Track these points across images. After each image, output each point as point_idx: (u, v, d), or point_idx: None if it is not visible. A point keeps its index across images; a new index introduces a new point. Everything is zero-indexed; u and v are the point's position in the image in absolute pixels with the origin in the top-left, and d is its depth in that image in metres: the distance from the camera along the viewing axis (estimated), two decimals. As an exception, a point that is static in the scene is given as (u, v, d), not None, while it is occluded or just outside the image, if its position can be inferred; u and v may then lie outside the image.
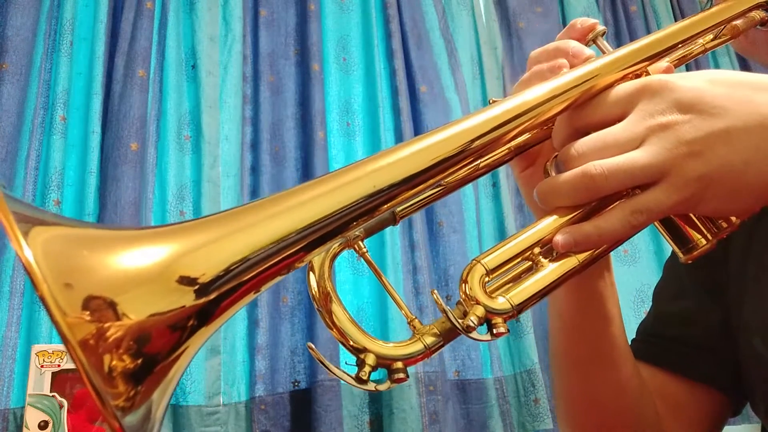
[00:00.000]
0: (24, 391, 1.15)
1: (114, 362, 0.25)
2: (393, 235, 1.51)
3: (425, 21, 1.84)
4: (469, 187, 1.66)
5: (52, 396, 1.13)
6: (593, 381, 0.57)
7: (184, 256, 0.29)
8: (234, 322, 1.43)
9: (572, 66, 0.49)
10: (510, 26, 1.96)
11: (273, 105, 1.62)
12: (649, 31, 2.03)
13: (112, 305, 0.26)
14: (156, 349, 0.27)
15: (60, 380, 1.14)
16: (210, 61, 1.57)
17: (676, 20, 2.11)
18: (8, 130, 1.35)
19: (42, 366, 1.14)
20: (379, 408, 1.43)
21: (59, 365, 1.15)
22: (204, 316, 0.29)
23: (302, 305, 1.47)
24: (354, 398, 1.43)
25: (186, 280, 0.28)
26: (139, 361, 0.26)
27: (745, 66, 1.99)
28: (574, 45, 0.50)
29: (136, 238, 0.30)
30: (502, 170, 1.73)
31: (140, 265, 0.28)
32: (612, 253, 0.57)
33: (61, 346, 1.17)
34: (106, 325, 0.25)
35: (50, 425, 1.11)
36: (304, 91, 1.64)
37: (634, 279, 1.73)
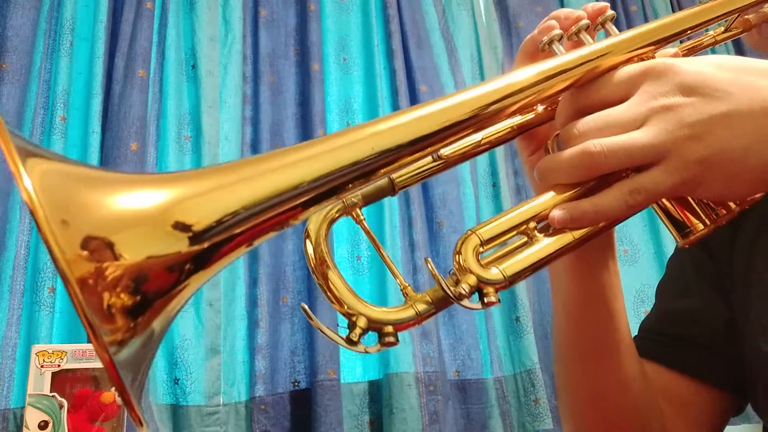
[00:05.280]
0: (24, 391, 1.15)
1: (112, 299, 0.26)
2: (393, 235, 1.51)
3: (425, 21, 1.84)
4: (469, 187, 1.66)
5: (52, 396, 1.13)
6: (597, 374, 0.57)
7: (180, 202, 0.30)
8: (234, 322, 1.43)
9: (564, 28, 0.49)
10: (510, 26, 1.96)
11: (273, 105, 1.62)
12: (649, 31, 2.03)
13: (109, 245, 0.26)
14: (154, 288, 0.28)
15: (60, 380, 1.14)
16: (210, 61, 1.57)
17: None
18: (8, 130, 1.35)
19: (42, 366, 1.14)
20: (379, 408, 1.43)
21: (59, 365, 1.15)
22: (200, 261, 0.29)
23: (302, 305, 1.47)
24: (354, 398, 1.43)
25: (180, 226, 0.29)
26: (138, 298, 0.27)
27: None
28: (565, 10, 0.50)
29: (133, 182, 0.30)
30: (502, 170, 1.73)
31: (136, 207, 0.28)
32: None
33: (62, 346, 1.17)
34: (104, 264, 0.26)
35: (50, 425, 1.11)
36: (304, 91, 1.64)
37: (634, 279, 1.73)
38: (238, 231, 0.31)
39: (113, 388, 1.16)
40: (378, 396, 1.44)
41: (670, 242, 1.70)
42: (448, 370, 1.50)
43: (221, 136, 1.54)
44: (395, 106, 1.67)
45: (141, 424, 0.25)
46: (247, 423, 1.37)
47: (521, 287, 1.58)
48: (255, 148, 1.57)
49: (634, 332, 0.65)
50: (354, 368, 1.48)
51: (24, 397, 1.14)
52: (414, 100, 1.70)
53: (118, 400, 1.16)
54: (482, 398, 1.50)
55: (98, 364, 1.16)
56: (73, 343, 1.22)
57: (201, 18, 1.60)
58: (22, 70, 1.42)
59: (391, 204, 1.53)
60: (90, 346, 1.18)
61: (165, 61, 1.56)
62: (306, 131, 1.60)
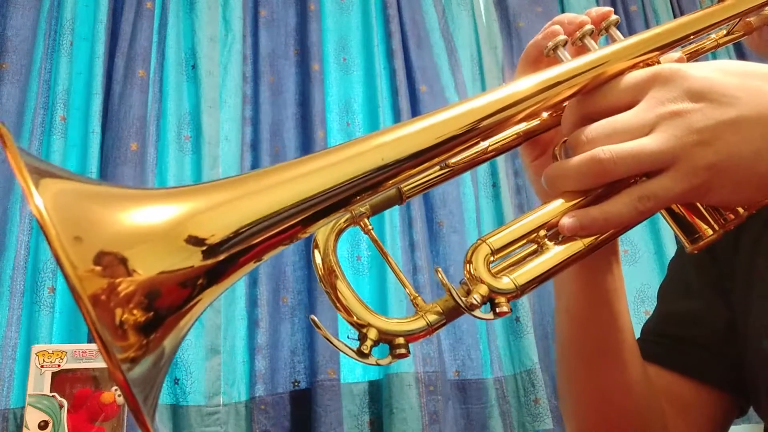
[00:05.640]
0: (24, 391, 1.15)
1: (125, 316, 0.25)
2: (393, 235, 1.51)
3: (425, 21, 1.84)
4: (469, 187, 1.66)
5: (52, 396, 1.13)
6: (600, 377, 0.57)
7: (194, 216, 0.30)
8: (234, 322, 1.43)
9: (567, 33, 0.49)
10: (510, 26, 1.96)
11: (273, 105, 1.62)
12: (648, 31, 2.03)
13: (122, 261, 0.26)
14: (167, 303, 0.27)
15: (60, 380, 1.14)
16: (210, 61, 1.57)
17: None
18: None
19: (42, 366, 1.14)
20: (379, 408, 1.43)
21: (59, 365, 1.15)
22: (213, 276, 0.29)
23: (302, 305, 1.47)
24: (354, 398, 1.43)
25: (194, 240, 0.29)
26: (150, 314, 0.26)
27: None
28: (569, 15, 0.50)
29: (145, 197, 0.30)
30: (502, 170, 1.73)
31: (149, 223, 0.28)
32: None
33: (62, 346, 1.17)
34: (117, 280, 0.25)
35: (50, 425, 1.11)
36: (304, 91, 1.64)
37: (634, 279, 1.73)
38: (251, 244, 0.30)
39: (113, 388, 1.16)
40: (378, 396, 1.44)
41: (670, 242, 1.70)
42: (448, 370, 1.50)
43: (221, 136, 1.54)
44: (395, 106, 1.67)
45: None
46: (247, 423, 1.37)
47: (521, 287, 1.58)
48: (255, 148, 1.57)
49: (637, 333, 0.65)
50: (354, 368, 1.48)
51: (24, 397, 1.13)
52: (414, 100, 1.70)
53: (119, 400, 1.15)
54: (482, 398, 1.50)
55: (98, 364, 1.16)
56: (73, 343, 1.22)
57: (201, 18, 1.60)
58: (22, 70, 1.41)
59: (391, 204, 1.52)
60: (90, 346, 1.18)
61: (165, 61, 1.56)
62: (306, 131, 1.60)
